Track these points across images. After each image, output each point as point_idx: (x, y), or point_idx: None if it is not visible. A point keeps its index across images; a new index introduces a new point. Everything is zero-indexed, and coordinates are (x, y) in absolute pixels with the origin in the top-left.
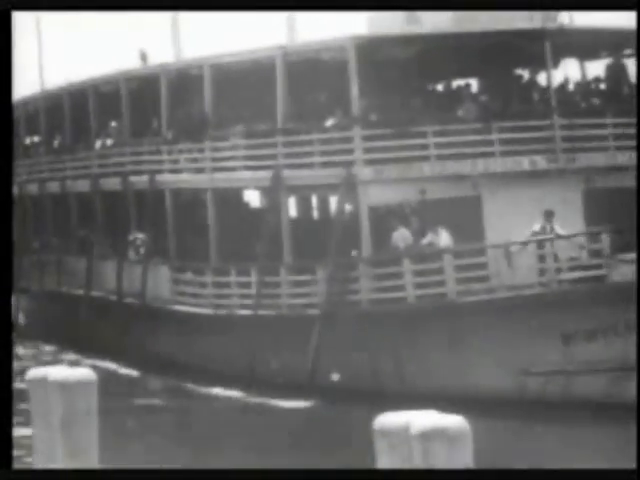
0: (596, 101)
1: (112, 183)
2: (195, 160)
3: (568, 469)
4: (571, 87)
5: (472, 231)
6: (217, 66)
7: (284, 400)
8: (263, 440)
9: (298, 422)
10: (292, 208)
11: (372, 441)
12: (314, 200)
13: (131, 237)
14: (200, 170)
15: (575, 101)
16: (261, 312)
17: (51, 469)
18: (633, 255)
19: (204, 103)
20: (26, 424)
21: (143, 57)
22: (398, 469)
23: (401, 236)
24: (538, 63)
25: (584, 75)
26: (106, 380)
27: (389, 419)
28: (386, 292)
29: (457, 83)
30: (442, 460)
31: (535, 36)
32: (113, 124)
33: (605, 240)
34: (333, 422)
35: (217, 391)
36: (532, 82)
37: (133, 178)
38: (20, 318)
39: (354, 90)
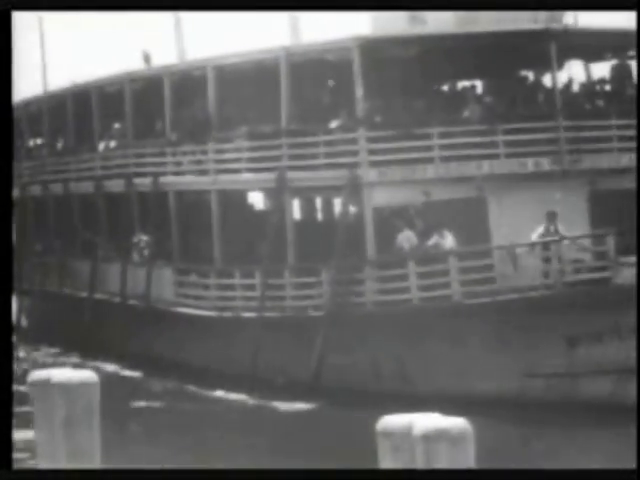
0: (601, 103)
1: (115, 185)
2: (199, 162)
3: (568, 469)
4: (576, 88)
5: (477, 233)
6: (220, 67)
7: (288, 402)
8: (266, 442)
9: (302, 424)
10: (296, 210)
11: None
12: (318, 202)
13: (135, 239)
14: (204, 172)
15: (580, 103)
16: (265, 314)
17: (51, 469)
18: (634, 258)
19: (208, 104)
20: (27, 427)
21: (146, 58)
22: (400, 469)
23: (406, 238)
24: (543, 64)
25: (589, 76)
26: (109, 382)
27: (392, 421)
28: (391, 294)
29: (462, 84)
30: (444, 462)
31: (540, 37)
32: (116, 126)
33: (610, 242)
34: (338, 424)
35: (220, 394)
36: (537, 83)
37: (137, 180)
38: (22, 320)
39: (358, 91)
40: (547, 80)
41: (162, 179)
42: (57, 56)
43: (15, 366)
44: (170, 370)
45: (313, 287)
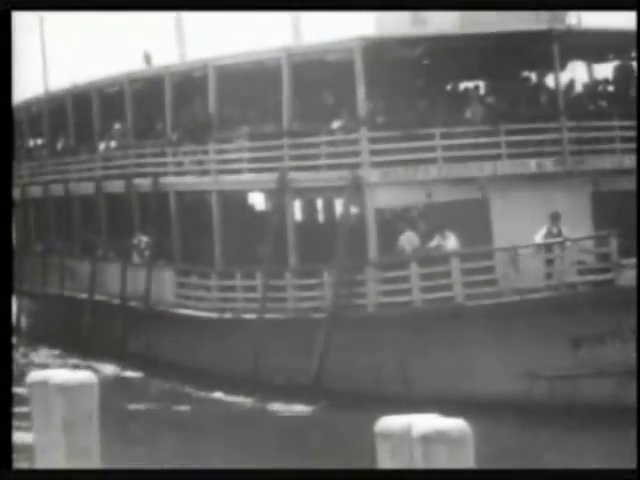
0: (604, 103)
1: (116, 185)
2: (200, 162)
3: (568, 469)
4: (579, 89)
5: (479, 234)
6: (222, 67)
7: (289, 404)
8: (266, 444)
9: (303, 426)
10: (297, 211)
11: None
12: (320, 203)
13: (135, 240)
14: (205, 172)
15: (583, 103)
16: (267, 316)
17: (51, 469)
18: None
19: (209, 105)
20: (27, 428)
21: (147, 59)
22: (399, 470)
23: (408, 239)
24: (546, 65)
25: (592, 77)
26: (108, 384)
27: (391, 422)
28: (393, 296)
29: (464, 85)
30: (443, 463)
31: (543, 38)
32: (117, 126)
33: (612, 244)
34: (338, 426)
35: (220, 395)
36: (540, 84)
37: (137, 180)
38: (22, 321)
39: (360, 92)
40: (550, 81)
41: (162, 180)
42: (57, 56)
43: (14, 367)
44: (170, 371)
45: (314, 289)
